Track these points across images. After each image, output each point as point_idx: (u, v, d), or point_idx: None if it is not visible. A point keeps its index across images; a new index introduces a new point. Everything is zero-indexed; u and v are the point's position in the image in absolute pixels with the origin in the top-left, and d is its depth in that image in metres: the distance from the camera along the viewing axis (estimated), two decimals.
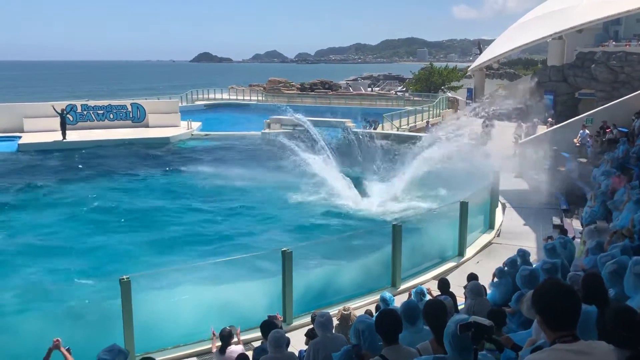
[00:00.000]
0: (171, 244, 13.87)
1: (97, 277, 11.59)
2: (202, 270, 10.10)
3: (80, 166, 23.32)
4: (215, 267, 10.00)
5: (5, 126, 29.02)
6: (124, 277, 8.04)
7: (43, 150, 26.02)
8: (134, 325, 8.01)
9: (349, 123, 30.69)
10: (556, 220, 14.09)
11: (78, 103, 31.77)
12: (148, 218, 16.21)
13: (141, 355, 7.75)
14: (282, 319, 8.12)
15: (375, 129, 30.72)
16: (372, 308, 8.06)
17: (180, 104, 36.60)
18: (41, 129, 28.75)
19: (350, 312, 7.20)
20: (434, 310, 4.24)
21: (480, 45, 68.06)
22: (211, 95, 51.38)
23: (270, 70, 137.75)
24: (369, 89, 58.17)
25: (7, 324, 8.48)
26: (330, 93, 53.04)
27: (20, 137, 27.88)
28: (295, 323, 9.33)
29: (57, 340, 5.74)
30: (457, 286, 8.42)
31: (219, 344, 6.83)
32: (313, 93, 52.96)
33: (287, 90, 55.51)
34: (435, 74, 51.72)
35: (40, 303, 9.76)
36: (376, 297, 9.60)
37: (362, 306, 9.50)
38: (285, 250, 9.27)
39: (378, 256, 11.26)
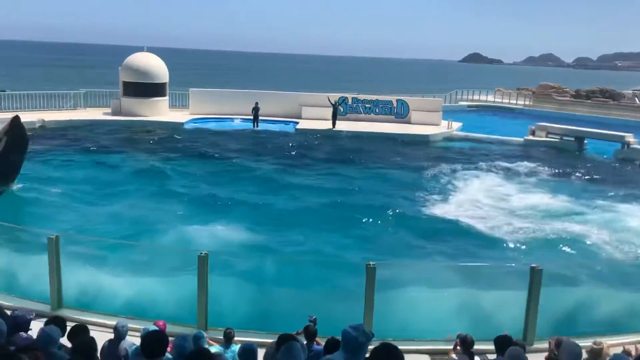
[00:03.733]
0: (421, 238, 14.13)
1: (348, 256, 12.42)
2: (446, 272, 10.07)
3: (346, 151, 25.29)
4: (459, 271, 9.87)
5: (287, 112, 32.83)
6: (371, 263, 8.41)
7: (314, 134, 28.87)
8: (374, 310, 8.36)
9: (630, 138, 27.15)
10: None
11: (349, 96, 34.25)
12: (404, 207, 16.77)
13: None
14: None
15: None
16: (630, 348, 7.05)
17: (443, 103, 36.78)
18: (315, 117, 31.84)
19: (602, 347, 6.42)
20: None
21: None
22: (475, 97, 50.45)
23: (543, 74, 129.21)
24: None
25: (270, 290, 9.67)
26: (611, 103, 47.51)
27: (297, 123, 31.30)
28: (536, 346, 8.69)
29: (313, 318, 6.34)
30: None
31: (458, 348, 6.71)
32: (589, 102, 48.06)
33: (560, 96, 51.41)
34: None
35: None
36: (634, 338, 8.39)
37: (615, 345, 8.38)
38: (535, 267, 8.67)
39: None
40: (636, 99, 51.12)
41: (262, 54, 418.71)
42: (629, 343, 8.28)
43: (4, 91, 28.52)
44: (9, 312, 6.12)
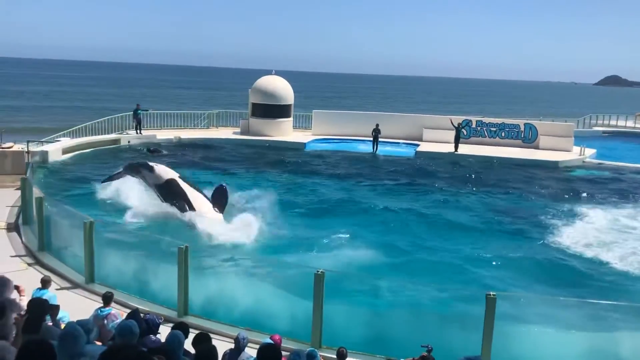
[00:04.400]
0: (545, 269, 13.35)
1: (460, 284, 12.02)
2: (573, 308, 9.36)
3: (469, 176, 24.64)
4: (589, 307, 9.14)
5: (407, 134, 32.63)
6: (491, 293, 8.08)
7: (436, 158, 28.39)
8: (492, 343, 8.00)
9: None
10: None
11: (474, 119, 33.31)
12: (531, 239, 15.99)
13: None
14: None
15: None
16: None
17: (575, 128, 34.58)
18: (437, 140, 31.34)
19: None
20: None
21: None
22: (612, 122, 46.87)
23: None
24: None
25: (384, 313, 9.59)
26: None
27: (418, 145, 30.98)
28: None
29: (429, 347, 6.22)
30: None
31: None
32: None
33: None
34: None
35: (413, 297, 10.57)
36: None
37: None
38: None
39: None
40: None
41: (382, 77, 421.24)
42: None
43: (147, 110, 31.18)
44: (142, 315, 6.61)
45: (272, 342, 6.70)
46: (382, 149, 29.88)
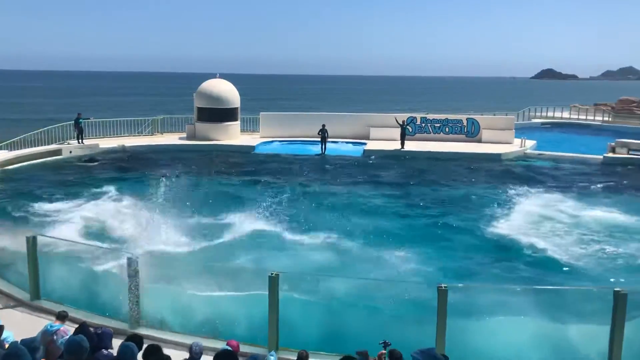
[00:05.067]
0: (491, 260, 13.71)
1: (415, 277, 12.22)
2: (519, 295, 9.68)
3: (415, 172, 25.14)
4: (535, 293, 9.47)
5: (355, 133, 32.94)
6: (442, 285, 8.25)
7: (383, 156, 28.79)
8: (446, 334, 8.17)
9: None
10: None
11: (418, 116, 33.97)
12: (469, 230, 16.36)
13: None
14: None
15: None
16: None
17: (515, 121, 35.78)
18: (383, 138, 31.78)
19: None
20: None
21: None
22: (549, 114, 48.76)
23: (623, 89, 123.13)
24: None
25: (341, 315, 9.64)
26: None
27: (365, 144, 31.32)
28: None
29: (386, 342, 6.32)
30: None
31: None
32: None
33: None
34: None
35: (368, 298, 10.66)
36: None
37: None
38: (619, 291, 8.18)
39: None
40: None
41: (327, 77, 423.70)
42: None
43: (88, 119, 30.28)
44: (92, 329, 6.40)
45: (229, 348, 6.63)
46: (330, 149, 30.05)
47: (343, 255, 13.63)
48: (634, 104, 51.54)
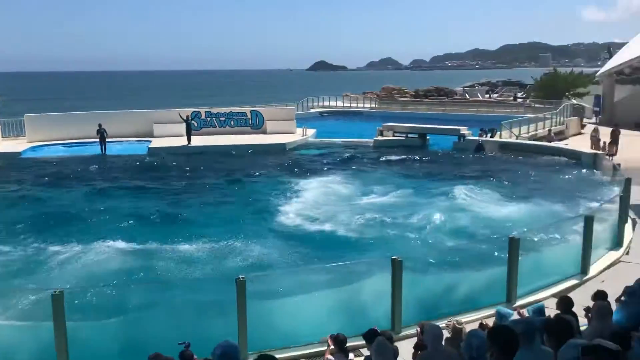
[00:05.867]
0: (286, 245, 14.23)
1: (214, 272, 12.19)
2: (313, 274, 10.28)
3: (203, 167, 24.88)
4: (326, 271, 10.14)
5: (138, 131, 31.49)
6: (240, 276, 8.38)
7: (170, 153, 27.93)
8: (247, 323, 8.31)
9: (464, 130, 29.84)
10: None
11: (202, 110, 33.73)
12: (261, 219, 16.76)
13: (254, 353, 8.05)
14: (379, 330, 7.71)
15: (492, 136, 29.63)
16: (489, 322, 7.74)
17: (295, 112, 37.65)
18: (169, 134, 30.90)
19: (463, 326, 6.97)
20: (561, 327, 3.91)
21: (611, 49, 63.09)
22: (325, 103, 52.31)
23: (385, 78, 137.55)
24: (487, 96, 56.20)
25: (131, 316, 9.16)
26: (446, 100, 51.91)
27: (150, 141, 30.16)
28: (403, 333, 9.20)
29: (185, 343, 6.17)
30: (579, 306, 7.85)
31: (331, 347, 6.80)
32: (427, 100, 52.15)
33: (401, 97, 55.15)
34: (559, 80, 48.84)
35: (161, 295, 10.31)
36: (488, 312, 9.23)
37: (473, 320, 9.15)
38: (395, 259, 9.19)
39: (492, 268, 10.84)
40: (466, 94, 56.36)
41: (98, 73, 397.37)
42: (484, 317, 9.08)
43: None
44: None
45: None
46: (113, 149, 28.28)
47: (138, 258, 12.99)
48: (395, 91, 57.99)
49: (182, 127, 29.87)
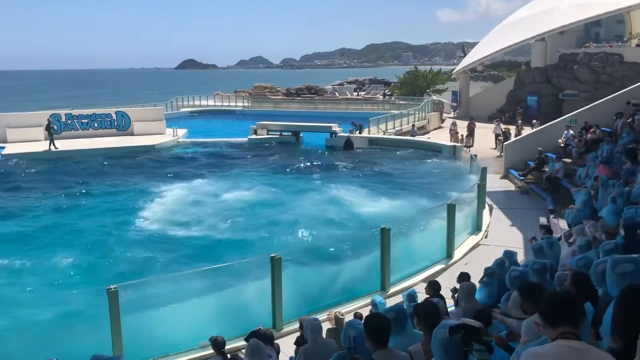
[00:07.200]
0: (155, 252, 13.69)
1: (82, 285, 11.47)
2: (190, 279, 10.01)
3: (61, 175, 23.06)
4: (203, 275, 9.92)
5: None
6: (112, 287, 7.96)
7: (27, 159, 25.62)
8: (122, 334, 7.92)
9: (335, 127, 30.72)
10: (543, 221, 14.17)
11: (62, 112, 31.48)
12: (128, 226, 16.02)
13: None
14: (263, 329, 7.74)
15: (360, 132, 30.79)
16: (365, 312, 8.04)
17: (165, 112, 36.43)
18: (25, 139, 28.47)
19: (344, 317, 7.18)
20: (428, 311, 4.20)
21: (464, 48, 68.64)
22: (197, 102, 51.20)
23: (256, 76, 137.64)
24: (355, 94, 58.33)
25: None
26: (317, 98, 53.10)
27: (4, 147, 27.55)
28: (286, 329, 9.29)
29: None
30: (446, 288, 8.43)
31: (211, 351, 6.69)
32: (299, 98, 53.02)
33: (273, 95, 55.53)
34: (420, 78, 51.92)
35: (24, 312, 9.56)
36: (366, 301, 9.60)
37: (352, 310, 9.47)
38: (274, 257, 9.23)
39: (367, 259, 11.27)
40: (336, 92, 58.04)
41: None
42: (361, 307, 9.45)
43: None
44: None
45: None
46: None
47: None
48: (267, 90, 58.19)
49: (39, 131, 27.58)
